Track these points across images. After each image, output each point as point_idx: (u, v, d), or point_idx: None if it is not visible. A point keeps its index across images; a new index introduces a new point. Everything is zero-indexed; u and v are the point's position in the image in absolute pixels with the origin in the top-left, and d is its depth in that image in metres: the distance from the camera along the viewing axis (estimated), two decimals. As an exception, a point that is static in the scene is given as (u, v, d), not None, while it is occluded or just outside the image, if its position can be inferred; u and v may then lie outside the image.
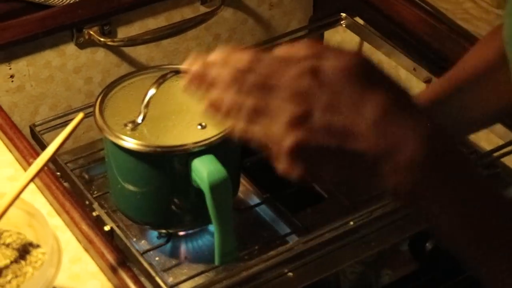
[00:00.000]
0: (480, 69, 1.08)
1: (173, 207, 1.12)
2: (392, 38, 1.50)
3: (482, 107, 1.09)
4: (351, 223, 1.13)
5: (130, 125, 1.09)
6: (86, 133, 1.45)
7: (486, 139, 1.35)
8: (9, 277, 0.96)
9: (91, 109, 1.14)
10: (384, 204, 1.16)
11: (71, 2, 1.42)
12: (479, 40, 1.19)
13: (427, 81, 1.43)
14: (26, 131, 1.31)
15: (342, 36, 1.62)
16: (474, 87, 1.08)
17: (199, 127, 1.09)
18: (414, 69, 1.45)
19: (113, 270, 1.04)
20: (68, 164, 1.28)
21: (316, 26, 1.62)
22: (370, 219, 1.14)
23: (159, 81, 1.11)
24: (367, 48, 1.56)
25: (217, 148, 1.06)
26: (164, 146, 1.07)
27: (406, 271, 1.22)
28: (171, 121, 1.11)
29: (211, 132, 1.08)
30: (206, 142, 1.06)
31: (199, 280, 1.09)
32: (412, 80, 1.47)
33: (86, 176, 1.32)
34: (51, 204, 1.14)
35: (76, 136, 1.44)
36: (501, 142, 1.29)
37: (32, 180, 0.98)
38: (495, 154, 1.26)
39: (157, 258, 1.16)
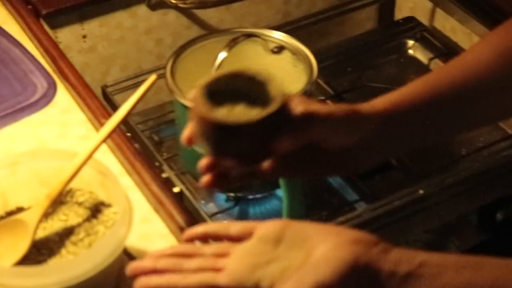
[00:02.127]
0: (478, 75, 0.91)
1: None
2: (466, 4, 1.47)
3: (473, 120, 0.94)
4: (421, 191, 1.12)
5: (201, 88, 1.09)
6: (156, 94, 1.46)
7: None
8: (81, 235, 0.97)
9: (161, 71, 1.15)
10: (455, 172, 1.15)
11: (144, -37, 1.42)
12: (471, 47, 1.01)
13: (501, 49, 1.40)
14: (97, 91, 1.32)
15: (414, 2, 1.59)
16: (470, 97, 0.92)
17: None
18: (488, 36, 1.42)
19: (182, 231, 1.05)
20: (139, 125, 1.29)
21: (388, -8, 1.60)
22: (440, 187, 1.13)
23: (230, 45, 1.11)
24: (440, 15, 1.54)
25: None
26: (235, 109, 1.06)
27: (474, 242, 1.21)
28: (242, 85, 1.10)
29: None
30: (277, 106, 1.05)
31: (266, 243, 1.09)
32: (486, 47, 1.44)
33: (156, 138, 1.33)
34: (121, 164, 1.15)
35: (146, 98, 1.43)
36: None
37: (104, 140, 0.99)
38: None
39: (225, 222, 1.16)
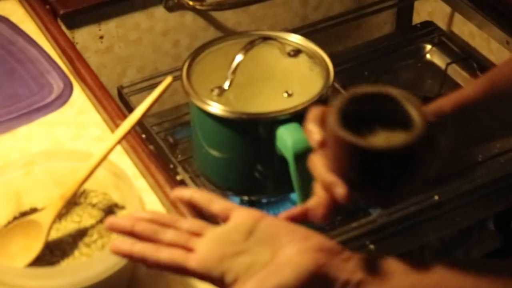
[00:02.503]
0: None
1: (256, 174, 1.12)
2: (485, 9, 1.46)
3: None
4: (436, 197, 1.12)
5: (216, 90, 1.09)
6: (172, 96, 1.46)
7: None
8: (94, 237, 0.97)
9: (178, 73, 1.15)
10: (471, 179, 1.14)
11: (161, -35, 1.42)
12: None
13: (520, 55, 1.40)
14: (113, 92, 1.32)
15: (432, 6, 1.58)
16: None
17: (285, 94, 1.09)
18: (507, 42, 1.41)
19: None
20: (154, 127, 1.29)
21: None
22: (455, 194, 1.12)
23: (247, 47, 1.10)
24: (458, 20, 1.53)
25: (303, 116, 1.03)
26: (250, 113, 1.07)
27: (491, 248, 1.20)
28: (258, 88, 1.10)
29: (298, 100, 1.07)
30: (292, 110, 1.05)
31: (280, 247, 1.09)
32: (504, 53, 1.43)
33: (171, 140, 1.33)
34: (136, 166, 1.15)
35: (162, 100, 1.43)
36: None
37: (119, 142, 0.99)
38: None
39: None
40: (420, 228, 1.11)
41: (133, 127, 1.01)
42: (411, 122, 0.78)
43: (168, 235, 0.82)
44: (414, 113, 0.78)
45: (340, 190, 0.80)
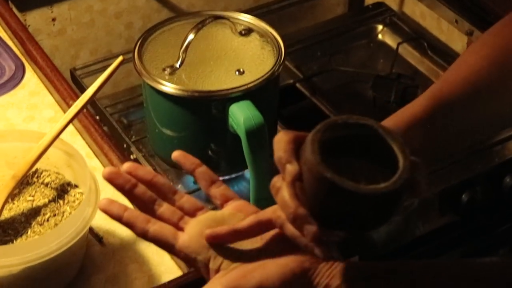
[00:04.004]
0: (474, 82, 0.89)
1: (209, 152, 1.13)
2: (435, -11, 1.48)
3: (476, 124, 0.91)
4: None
5: (168, 69, 1.10)
6: (126, 78, 1.46)
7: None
8: (47, 216, 0.97)
9: (131, 54, 1.15)
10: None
11: None
12: (467, 50, 0.99)
13: (469, 34, 1.42)
14: (67, 75, 1.32)
15: (383, -13, 1.60)
16: (468, 103, 0.88)
17: (237, 73, 1.10)
18: (456, 21, 1.44)
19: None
20: (107, 109, 1.29)
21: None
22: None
23: (198, 26, 1.11)
24: (409, 0, 1.54)
25: (254, 94, 1.06)
26: (202, 91, 1.07)
27: (438, 224, 1.22)
28: (209, 67, 1.11)
29: (249, 78, 1.08)
30: (244, 88, 1.06)
31: (234, 225, 1.10)
32: (454, 32, 1.45)
33: (125, 121, 1.33)
34: (89, 146, 1.15)
35: (116, 81, 1.45)
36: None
37: (71, 121, 0.99)
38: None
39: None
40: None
41: (85, 106, 1.01)
42: (392, 158, 0.73)
43: (162, 208, 0.82)
44: (397, 150, 0.73)
45: (312, 228, 0.73)
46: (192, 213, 0.83)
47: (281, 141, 0.76)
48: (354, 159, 0.75)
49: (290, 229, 0.76)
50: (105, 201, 0.82)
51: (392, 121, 0.85)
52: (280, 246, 0.79)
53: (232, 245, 0.80)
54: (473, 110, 0.88)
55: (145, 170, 0.84)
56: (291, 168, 0.74)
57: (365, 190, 0.70)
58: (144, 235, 0.81)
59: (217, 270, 0.78)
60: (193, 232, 0.80)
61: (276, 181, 0.76)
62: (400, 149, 0.73)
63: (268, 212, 0.78)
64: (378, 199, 0.71)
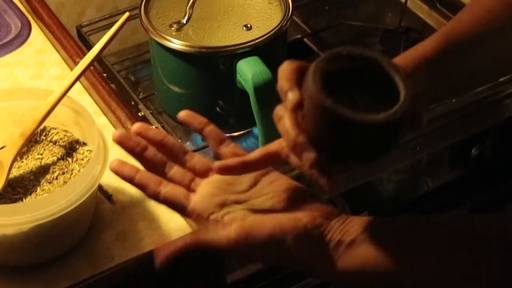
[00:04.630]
0: (486, 22, 0.89)
1: (218, 108, 1.12)
2: None
3: (486, 65, 0.91)
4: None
5: (175, 25, 1.09)
6: (133, 35, 1.45)
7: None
8: (56, 174, 0.97)
9: (137, 11, 1.14)
10: (430, 108, 1.15)
11: None
12: None
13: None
14: (73, 32, 1.31)
15: None
16: (479, 43, 0.89)
17: (244, 28, 1.09)
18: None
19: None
20: (115, 66, 1.29)
21: None
22: (415, 124, 1.13)
23: (205, -18, 1.10)
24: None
25: (262, 49, 1.05)
26: (209, 47, 1.06)
27: (448, 179, 1.22)
28: (216, 22, 1.10)
29: (257, 33, 1.07)
30: (251, 43, 1.05)
31: (243, 181, 1.10)
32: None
33: (132, 78, 1.32)
34: (97, 104, 1.15)
35: (122, 38, 1.44)
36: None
37: (78, 78, 0.99)
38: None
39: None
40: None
41: (92, 64, 1.00)
42: (395, 90, 0.73)
43: (173, 170, 0.83)
44: (399, 82, 0.73)
45: (310, 155, 0.73)
46: (203, 173, 0.83)
47: (285, 70, 0.76)
48: (356, 92, 0.75)
49: (294, 158, 0.76)
50: (116, 162, 0.82)
51: (401, 59, 0.84)
52: (292, 204, 0.79)
53: (243, 202, 0.80)
54: (484, 51, 0.88)
55: (155, 131, 0.84)
56: (292, 96, 0.74)
57: (363, 118, 0.70)
58: (156, 197, 0.81)
59: (230, 223, 0.78)
60: (204, 193, 0.81)
61: (279, 109, 0.76)
62: (403, 81, 0.73)
63: (276, 144, 0.79)
64: (376, 129, 0.71)
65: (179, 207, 0.81)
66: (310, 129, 0.73)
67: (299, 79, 0.75)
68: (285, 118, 0.74)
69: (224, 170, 0.80)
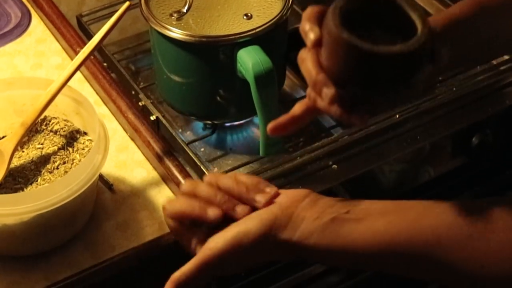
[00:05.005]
0: None
1: (218, 98, 1.12)
2: None
3: None
4: (397, 116, 1.13)
5: (175, 15, 1.09)
6: (133, 24, 1.45)
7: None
8: (57, 163, 0.97)
9: (137, 0, 1.13)
10: (430, 97, 1.15)
11: None
12: None
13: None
14: (73, 22, 1.31)
15: None
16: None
17: (245, 17, 1.09)
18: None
19: (159, 159, 1.05)
20: (115, 55, 1.28)
21: None
22: (416, 112, 1.13)
23: (205, -29, 1.09)
24: None
25: (262, 38, 1.05)
26: (210, 36, 1.06)
27: (449, 167, 1.22)
28: (217, 11, 1.10)
29: (257, 22, 1.07)
30: (252, 32, 1.05)
31: (243, 170, 1.10)
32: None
33: (133, 68, 1.32)
34: (97, 94, 1.15)
35: (123, 27, 1.44)
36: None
37: (79, 67, 0.99)
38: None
39: (202, 149, 1.16)
40: (381, 147, 1.12)
41: (92, 53, 1.00)
42: (413, 28, 0.76)
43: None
44: (416, 19, 0.76)
45: (330, 90, 0.76)
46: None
47: (307, 13, 0.79)
48: (374, 30, 0.78)
49: (320, 102, 0.79)
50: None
51: (432, 19, 0.84)
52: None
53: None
54: None
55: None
56: (312, 34, 0.77)
57: (380, 49, 0.73)
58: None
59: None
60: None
61: (302, 52, 0.79)
62: (420, 17, 0.76)
63: (308, 91, 0.82)
64: (393, 59, 0.74)
65: None
66: (330, 66, 0.77)
67: (320, 20, 0.78)
68: (307, 59, 0.78)
69: (276, 129, 0.84)
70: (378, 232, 0.78)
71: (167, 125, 1.13)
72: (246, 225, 0.80)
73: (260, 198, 0.83)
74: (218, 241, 0.80)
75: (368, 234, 0.79)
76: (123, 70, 1.24)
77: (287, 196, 0.83)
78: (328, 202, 0.81)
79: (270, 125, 0.84)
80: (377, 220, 0.79)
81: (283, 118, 0.84)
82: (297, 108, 0.83)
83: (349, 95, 0.76)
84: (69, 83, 0.99)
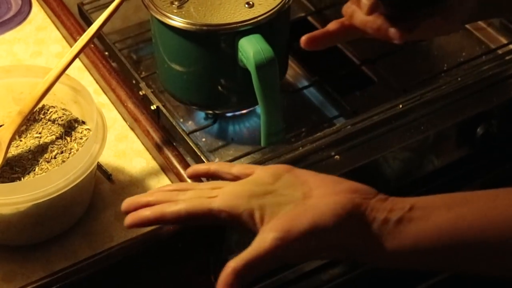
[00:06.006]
0: None
1: (219, 87, 1.11)
2: None
3: None
4: (400, 106, 1.11)
5: (176, 3, 1.07)
6: (135, 13, 1.43)
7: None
8: (54, 153, 0.96)
9: (139, -12, 1.12)
10: (434, 87, 1.13)
11: None
12: None
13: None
14: (74, 10, 1.30)
15: None
16: None
17: (247, 5, 1.07)
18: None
19: (159, 148, 1.04)
20: (116, 44, 1.27)
21: None
22: (419, 102, 1.12)
23: (206, -42, 1.08)
24: None
25: (264, 27, 1.04)
26: (211, 24, 1.05)
27: (453, 158, 1.21)
28: (218, 0, 1.08)
29: (259, 11, 1.06)
30: (253, 21, 1.04)
31: (245, 161, 1.09)
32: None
33: (135, 57, 1.31)
34: (97, 82, 1.14)
35: (125, 16, 1.43)
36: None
37: (77, 55, 0.97)
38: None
39: (203, 139, 1.15)
40: (384, 137, 1.11)
41: (91, 41, 0.99)
42: None
43: (188, 193, 0.80)
44: None
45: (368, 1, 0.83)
46: (220, 187, 0.81)
47: None
48: None
49: (357, 16, 0.85)
50: (128, 223, 0.80)
51: None
52: (325, 190, 0.77)
53: (271, 193, 0.78)
54: None
55: (168, 187, 0.84)
56: None
57: None
58: (178, 217, 0.78)
59: (262, 220, 0.76)
60: (228, 191, 0.78)
61: None
62: None
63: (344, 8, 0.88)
64: None
65: (204, 215, 0.77)
66: None
67: None
68: None
69: (308, 41, 0.87)
70: (448, 227, 0.75)
71: (167, 114, 1.11)
72: (318, 216, 0.75)
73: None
74: (298, 222, 0.74)
75: (436, 231, 0.75)
76: (124, 59, 1.23)
77: (354, 189, 0.77)
78: (393, 202, 0.76)
79: (303, 37, 0.87)
80: (443, 215, 0.75)
81: (316, 32, 0.86)
82: (332, 25, 0.86)
83: (395, 10, 0.84)
84: (69, 72, 0.97)
